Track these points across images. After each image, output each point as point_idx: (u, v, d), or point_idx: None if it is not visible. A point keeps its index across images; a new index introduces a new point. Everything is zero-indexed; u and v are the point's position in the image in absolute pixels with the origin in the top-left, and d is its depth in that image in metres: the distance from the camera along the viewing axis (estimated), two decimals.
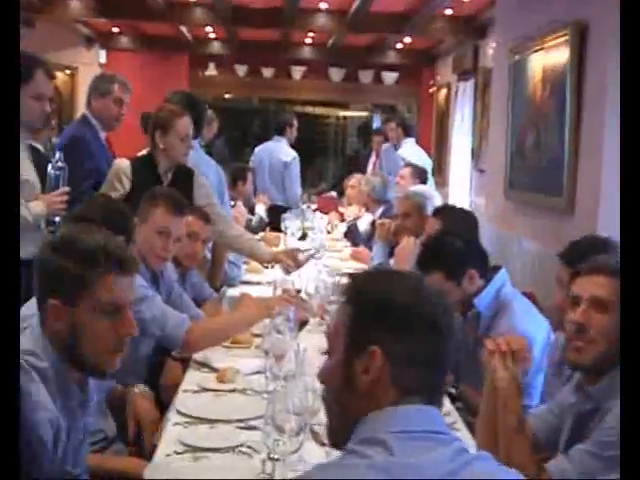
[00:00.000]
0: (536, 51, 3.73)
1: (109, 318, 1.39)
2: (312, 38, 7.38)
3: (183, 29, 6.94)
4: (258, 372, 2.13)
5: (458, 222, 2.90)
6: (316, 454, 1.52)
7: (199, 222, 2.76)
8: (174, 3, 5.97)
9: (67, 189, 2.61)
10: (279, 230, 4.58)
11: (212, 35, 7.52)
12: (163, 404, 2.12)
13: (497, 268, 2.38)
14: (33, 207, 2.50)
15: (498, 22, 4.81)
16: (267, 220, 5.00)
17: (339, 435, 1.09)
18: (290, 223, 4.41)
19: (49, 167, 2.60)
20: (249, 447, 1.67)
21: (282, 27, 6.57)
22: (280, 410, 1.46)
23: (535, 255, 3.69)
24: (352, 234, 4.84)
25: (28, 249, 2.27)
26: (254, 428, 1.76)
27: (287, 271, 3.01)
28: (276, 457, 1.49)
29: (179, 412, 1.88)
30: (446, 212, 3.08)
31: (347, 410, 1.07)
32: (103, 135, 3.39)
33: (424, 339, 1.04)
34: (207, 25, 6.79)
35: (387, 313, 1.05)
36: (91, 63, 7.35)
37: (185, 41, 7.49)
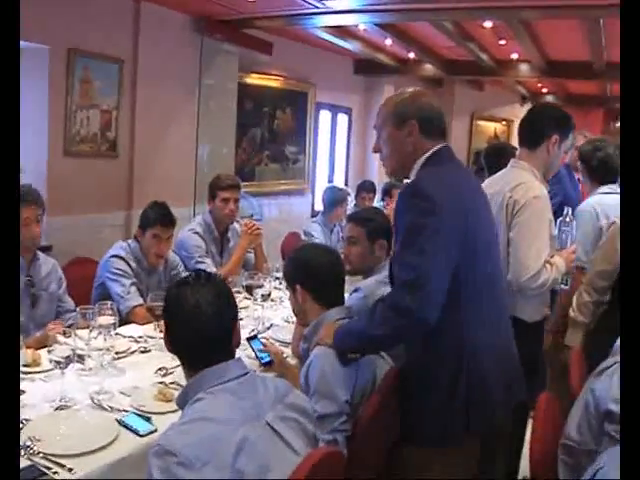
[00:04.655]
0: None
1: None
2: None
3: (607, 86, 7.99)
4: None
5: None
6: None
7: None
8: (610, 64, 7.01)
9: (574, 247, 2.64)
10: None
11: None
12: None
13: None
14: (559, 265, 2.47)
15: None
16: None
17: None
18: None
19: (558, 224, 2.64)
20: None
21: None
22: None
23: None
24: None
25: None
26: None
27: None
28: None
29: None
30: None
31: None
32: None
33: None
34: None
35: None
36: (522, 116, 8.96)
37: (604, 97, 8.55)
